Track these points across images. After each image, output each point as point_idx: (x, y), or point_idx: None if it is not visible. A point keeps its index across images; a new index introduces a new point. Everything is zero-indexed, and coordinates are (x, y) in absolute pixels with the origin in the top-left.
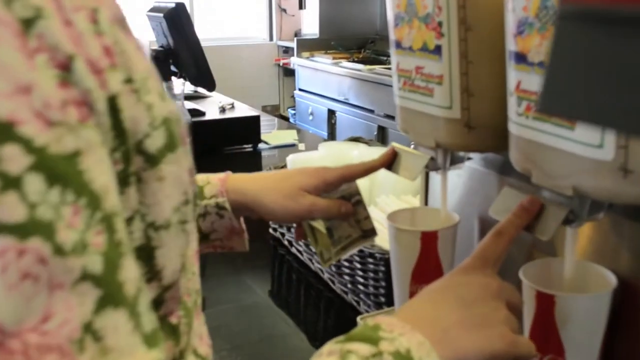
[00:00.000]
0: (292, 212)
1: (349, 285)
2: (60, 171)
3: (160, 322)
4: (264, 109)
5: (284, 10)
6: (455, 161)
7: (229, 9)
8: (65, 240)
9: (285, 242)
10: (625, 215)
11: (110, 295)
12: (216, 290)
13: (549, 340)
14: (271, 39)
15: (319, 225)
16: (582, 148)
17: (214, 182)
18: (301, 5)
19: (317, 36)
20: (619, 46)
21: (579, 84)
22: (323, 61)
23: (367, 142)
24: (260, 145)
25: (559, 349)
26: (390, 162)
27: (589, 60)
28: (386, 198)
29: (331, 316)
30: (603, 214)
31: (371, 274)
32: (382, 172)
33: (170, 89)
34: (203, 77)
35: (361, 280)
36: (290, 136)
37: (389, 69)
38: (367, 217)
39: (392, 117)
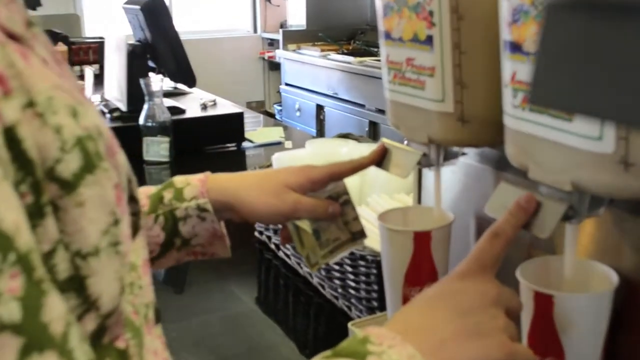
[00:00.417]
0: (275, 211)
1: (340, 290)
2: None
3: (106, 350)
4: (249, 105)
5: (269, 0)
6: (449, 157)
7: (210, 0)
8: None
9: (272, 246)
10: (628, 210)
11: (34, 340)
12: (200, 299)
13: (548, 342)
14: (255, 30)
15: (305, 225)
16: (581, 141)
17: (194, 184)
18: None
19: (304, 27)
20: (611, 33)
21: (570, 74)
22: (310, 54)
23: (357, 139)
24: (245, 144)
25: (559, 352)
26: (381, 159)
27: (579, 49)
28: (378, 197)
29: (321, 323)
30: (604, 209)
31: (363, 278)
32: (373, 170)
33: (148, 85)
34: (183, 73)
35: (352, 284)
36: (276, 134)
37: (380, 61)
38: (356, 218)
39: (384, 112)
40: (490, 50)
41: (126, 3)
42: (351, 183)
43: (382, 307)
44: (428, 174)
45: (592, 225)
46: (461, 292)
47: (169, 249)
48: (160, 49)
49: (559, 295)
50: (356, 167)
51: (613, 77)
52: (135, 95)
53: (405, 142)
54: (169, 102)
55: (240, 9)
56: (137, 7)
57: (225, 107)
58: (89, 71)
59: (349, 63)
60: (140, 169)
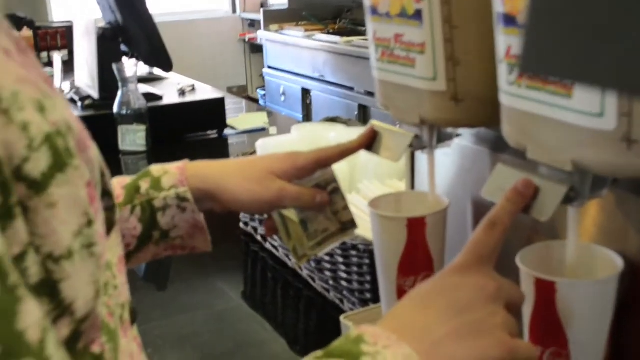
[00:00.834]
0: (259, 198)
1: (331, 282)
2: None
3: (81, 355)
4: (230, 90)
5: None
6: (442, 139)
7: None
8: None
9: (259, 238)
10: (632, 191)
11: (11, 348)
12: (183, 295)
13: (551, 331)
14: (234, 11)
15: (292, 214)
16: (581, 117)
17: (172, 172)
18: None
19: (286, 6)
20: None
21: (562, 39)
22: (294, 34)
23: (346, 122)
24: (227, 131)
25: (562, 341)
26: (370, 143)
27: (572, 12)
28: (369, 183)
29: (312, 317)
30: (607, 190)
31: (355, 268)
32: (364, 155)
33: (121, 71)
34: (158, 56)
35: (344, 275)
36: (260, 119)
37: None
38: (346, 208)
39: (374, 95)
40: (484, 24)
41: None
42: (340, 169)
43: (376, 299)
44: (421, 158)
45: (595, 208)
46: (458, 288)
47: (146, 243)
48: (132, 31)
49: (561, 281)
50: (344, 151)
51: (612, 39)
52: (108, 81)
53: (397, 125)
54: (145, 88)
55: None
56: None
57: (205, 92)
58: (57, 57)
59: (335, 43)
60: (115, 160)
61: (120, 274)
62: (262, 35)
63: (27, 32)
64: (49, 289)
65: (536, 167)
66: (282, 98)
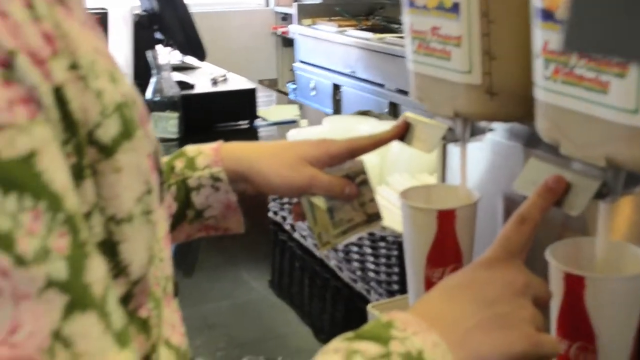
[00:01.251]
0: (290, 183)
1: (359, 273)
2: (16, 176)
3: (129, 317)
4: (261, 83)
5: None
6: (475, 132)
7: None
8: (25, 249)
9: (287, 227)
10: None
11: (78, 299)
12: (209, 284)
13: (579, 326)
14: (267, 4)
15: (319, 201)
16: (616, 113)
17: (207, 152)
18: None
19: (319, 1)
20: None
21: (605, 17)
22: (326, 29)
23: (378, 116)
24: (257, 122)
25: (590, 336)
26: (403, 134)
27: None
28: (399, 177)
29: (339, 307)
30: None
31: (383, 260)
32: (395, 149)
33: (155, 58)
34: (192, 45)
35: (372, 266)
36: (291, 112)
37: (402, 37)
38: (373, 200)
39: (404, 92)
40: (521, 19)
41: None
42: (370, 162)
43: (403, 291)
44: (453, 152)
45: (627, 205)
46: (487, 282)
47: (180, 222)
48: (168, 19)
49: (590, 276)
50: (377, 142)
51: None
52: (142, 68)
53: (432, 118)
54: (178, 76)
55: None
56: None
57: (237, 82)
58: None
59: (367, 40)
60: None
61: (166, 248)
62: (294, 30)
63: None
64: (108, 250)
65: (569, 163)
66: (313, 93)
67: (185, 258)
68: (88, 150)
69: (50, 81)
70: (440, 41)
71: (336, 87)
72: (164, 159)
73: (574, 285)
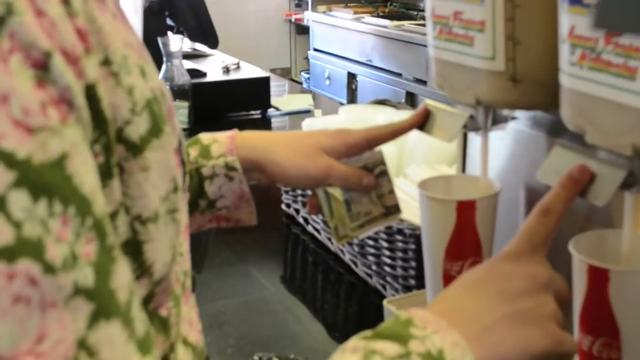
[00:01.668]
0: (306, 173)
1: (374, 267)
2: (46, 181)
3: (150, 317)
4: (273, 72)
5: None
6: (498, 121)
7: None
8: (54, 256)
9: (300, 220)
10: None
11: (103, 307)
12: (220, 280)
13: (602, 321)
14: None
15: (336, 192)
16: None
17: (222, 140)
18: None
19: None
20: None
21: None
22: (342, 16)
23: (395, 106)
24: (270, 111)
25: (614, 331)
26: (423, 122)
27: None
28: (417, 168)
29: (353, 303)
30: None
31: (400, 254)
32: (413, 139)
33: (166, 45)
34: (204, 32)
35: (388, 260)
36: (304, 101)
37: (421, 25)
38: (392, 192)
39: (423, 82)
40: (546, 3)
41: None
42: (388, 152)
43: (420, 286)
44: (474, 141)
45: None
46: (510, 276)
47: (192, 212)
48: (179, 5)
49: (615, 269)
50: (396, 131)
51: None
52: (152, 55)
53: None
54: (188, 64)
55: None
56: None
57: (250, 71)
58: None
59: (384, 27)
60: None
61: (185, 241)
62: (308, 16)
63: None
64: (133, 249)
65: (594, 152)
66: (327, 82)
67: (195, 253)
68: (116, 149)
69: (83, 80)
70: (463, 26)
71: (352, 76)
72: None
73: (598, 278)
